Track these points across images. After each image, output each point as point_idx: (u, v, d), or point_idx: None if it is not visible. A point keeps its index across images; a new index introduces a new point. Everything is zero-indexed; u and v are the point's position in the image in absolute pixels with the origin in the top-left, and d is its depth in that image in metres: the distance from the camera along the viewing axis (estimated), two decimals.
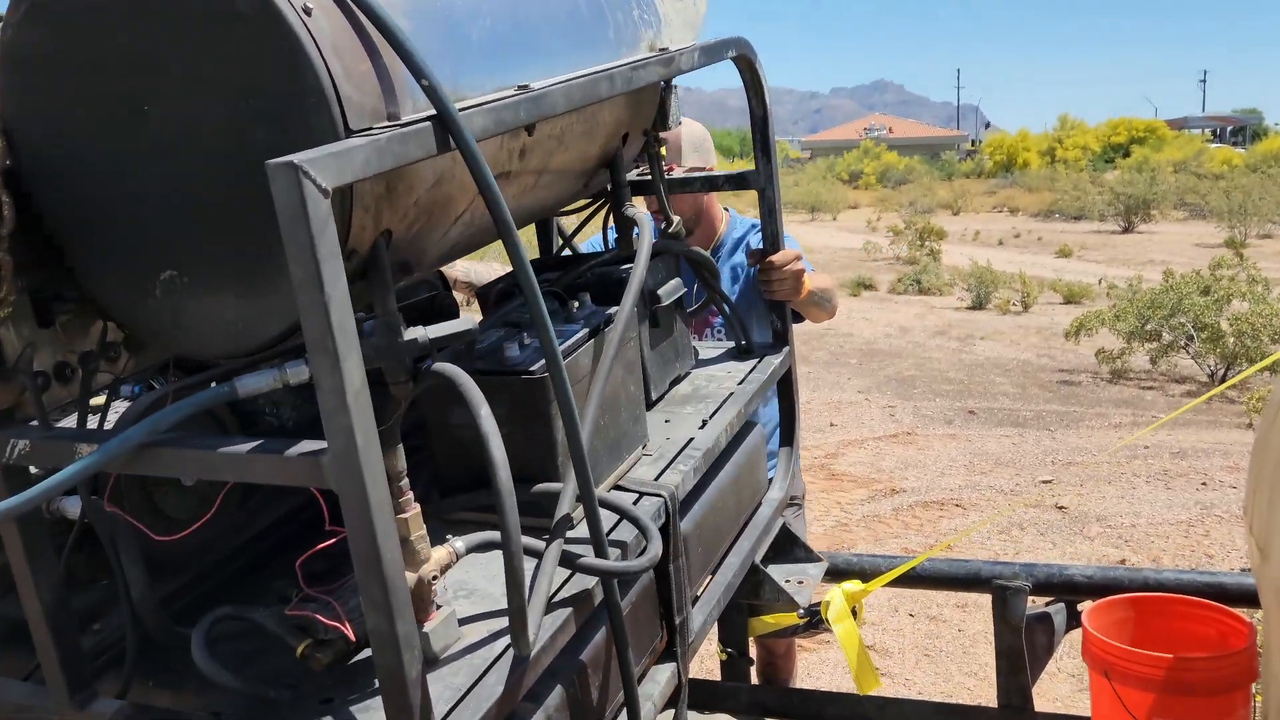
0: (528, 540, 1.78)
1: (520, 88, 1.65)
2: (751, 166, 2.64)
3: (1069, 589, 3.01)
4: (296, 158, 1.19)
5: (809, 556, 2.76)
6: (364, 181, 1.40)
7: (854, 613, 3.01)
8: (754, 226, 3.66)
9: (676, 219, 2.59)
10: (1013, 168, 52.46)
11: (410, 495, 1.59)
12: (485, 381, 1.92)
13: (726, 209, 3.85)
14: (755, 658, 3.69)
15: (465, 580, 1.86)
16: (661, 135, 3.23)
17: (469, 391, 1.46)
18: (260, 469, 1.37)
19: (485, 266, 3.46)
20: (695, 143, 3.50)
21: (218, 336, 1.51)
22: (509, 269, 2.74)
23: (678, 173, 3.25)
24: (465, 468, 2.01)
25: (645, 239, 2.05)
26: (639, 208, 2.21)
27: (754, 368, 2.68)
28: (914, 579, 3.11)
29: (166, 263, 1.50)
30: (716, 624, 2.93)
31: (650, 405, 2.48)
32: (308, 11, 1.32)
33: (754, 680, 3.57)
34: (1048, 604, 3.05)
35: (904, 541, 7.27)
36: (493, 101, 1.54)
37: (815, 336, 14.49)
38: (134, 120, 1.43)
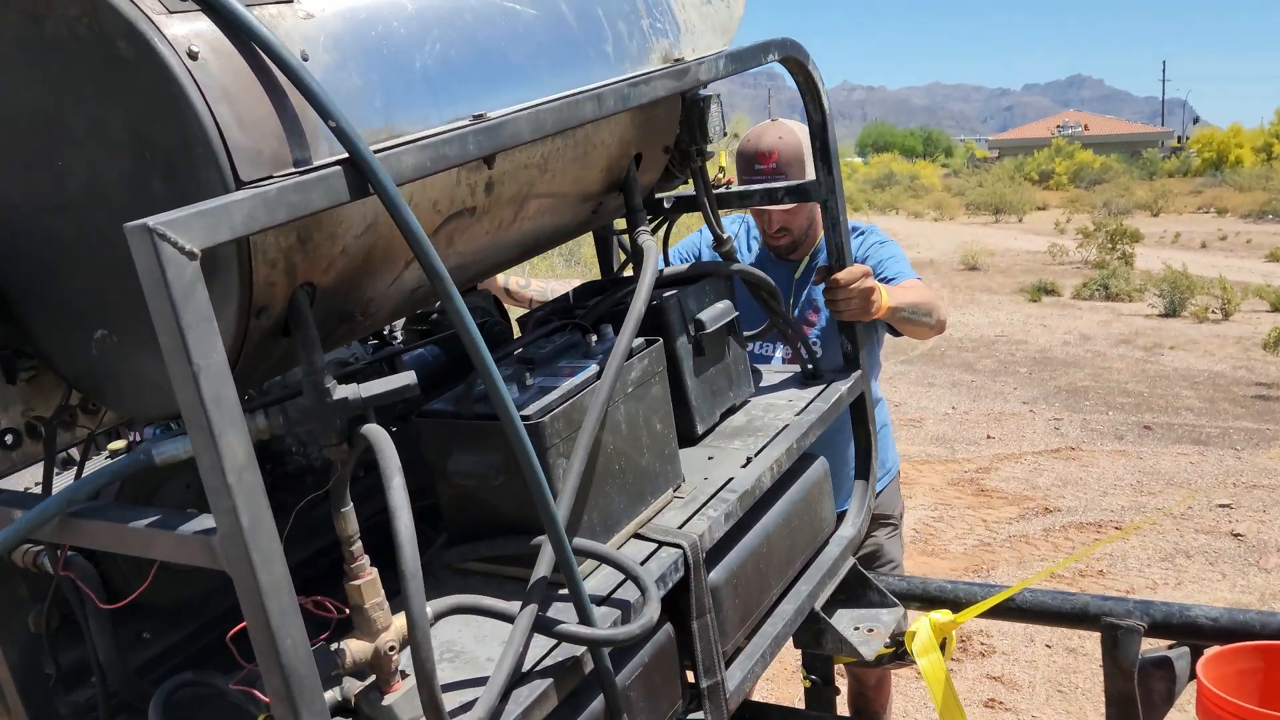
0: (502, 604, 1.65)
1: (475, 117, 1.51)
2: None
3: (1191, 631, 2.65)
4: (153, 220, 1.09)
5: (883, 601, 2.52)
6: (267, 234, 1.30)
7: (943, 645, 2.75)
8: (855, 230, 3.41)
9: (727, 237, 2.41)
10: (1223, 165, 48.74)
11: (363, 560, 1.49)
12: (482, 426, 1.81)
13: None
14: (845, 688, 3.45)
15: (453, 641, 1.74)
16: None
17: (385, 458, 1.33)
18: (159, 546, 1.29)
19: (561, 284, 3.35)
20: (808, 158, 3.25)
21: (151, 398, 1.44)
22: (578, 283, 2.61)
23: (787, 210, 3.07)
24: (470, 515, 1.90)
25: (647, 274, 1.88)
26: (648, 237, 2.04)
27: (818, 395, 2.47)
28: (1012, 611, 2.82)
29: (98, 321, 1.44)
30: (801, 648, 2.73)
31: (697, 439, 2.31)
32: (193, 55, 1.22)
33: (841, 711, 3.33)
34: (1170, 646, 2.70)
35: (1050, 565, 6.77)
36: (430, 137, 1.41)
37: (985, 344, 13.79)
38: (51, 175, 1.37)
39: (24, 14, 1.29)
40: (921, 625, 2.73)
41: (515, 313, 2.96)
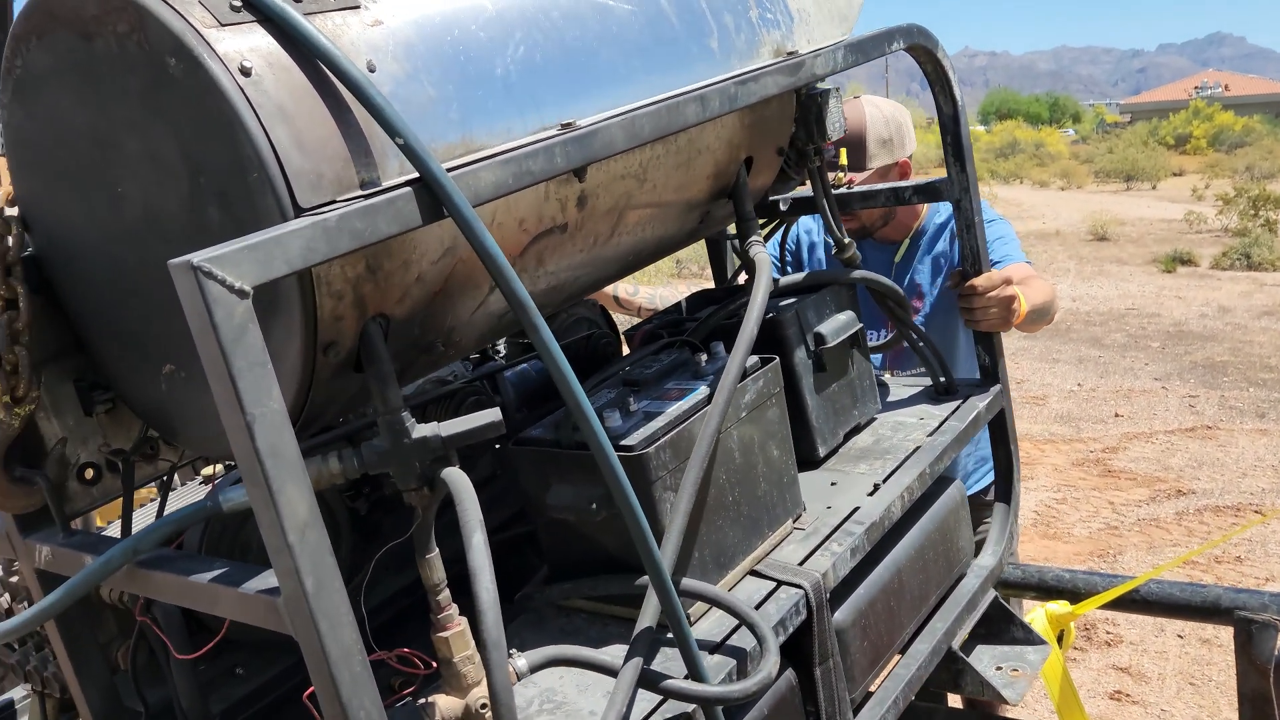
0: (605, 658, 1.52)
1: (563, 126, 1.37)
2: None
3: None
4: (199, 256, 0.99)
5: (1028, 637, 2.29)
6: (331, 265, 1.19)
7: (1060, 638, 2.50)
8: None
9: (849, 242, 2.22)
10: None
11: (451, 610, 1.36)
12: (581, 456, 1.67)
13: None
14: None
15: (554, 690, 1.61)
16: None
17: (465, 510, 1.20)
18: (224, 603, 1.19)
19: (672, 292, 3.19)
20: (883, 138, 3.03)
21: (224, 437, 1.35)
22: (690, 292, 2.46)
23: (862, 181, 2.85)
24: (570, 549, 1.76)
25: (760, 288, 1.71)
26: (760, 248, 1.87)
27: (952, 413, 2.26)
28: (1136, 603, 2.57)
29: (165, 355, 1.35)
30: None
31: (818, 462, 2.13)
32: (246, 71, 1.11)
33: (953, 703, 3.07)
34: None
35: (1183, 551, 6.32)
36: (512, 150, 1.27)
37: (1114, 317, 13.05)
38: (111, 202, 1.29)
39: (74, 32, 1.21)
40: (1037, 616, 2.50)
41: (624, 322, 2.82)
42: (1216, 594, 2.56)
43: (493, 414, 1.29)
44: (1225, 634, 5.33)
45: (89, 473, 1.54)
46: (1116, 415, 9.34)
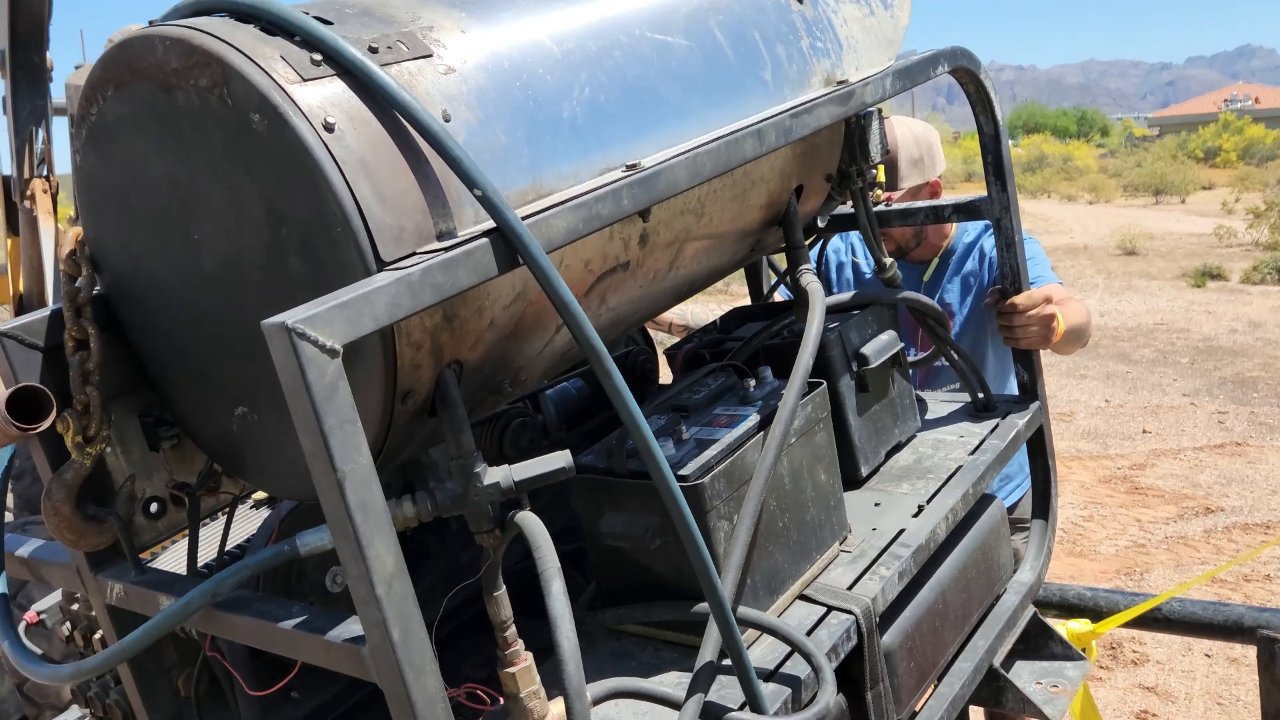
0: (668, 691, 1.54)
1: (629, 167, 1.38)
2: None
3: None
4: (292, 317, 1.00)
5: (1067, 653, 2.31)
6: (411, 316, 1.20)
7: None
8: (988, 227, 3.17)
9: (890, 263, 2.23)
10: None
11: (517, 646, 1.38)
12: (635, 485, 1.69)
13: None
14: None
15: (611, 718, 1.63)
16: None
17: (542, 557, 1.22)
18: (307, 648, 1.21)
19: (703, 308, 3.20)
20: (914, 157, 3.04)
21: (298, 479, 1.37)
22: (724, 311, 2.47)
23: (896, 200, 2.85)
24: (624, 575, 1.78)
25: (814, 322, 1.72)
26: (812, 277, 1.88)
27: (992, 431, 2.27)
28: (1159, 621, 2.58)
29: (238, 397, 1.37)
30: None
31: (860, 482, 2.15)
32: (329, 127, 1.13)
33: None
34: None
35: (1211, 569, 6.31)
36: (582, 195, 1.29)
37: (1143, 333, 13.00)
38: (187, 246, 1.31)
39: (154, 84, 1.22)
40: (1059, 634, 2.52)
41: (657, 337, 2.83)
42: (1239, 613, 2.58)
43: (564, 458, 1.30)
44: (1253, 653, 5.35)
45: (154, 507, 1.56)
46: (1144, 431, 9.31)
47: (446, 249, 1.15)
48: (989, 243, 3.13)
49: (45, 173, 5.34)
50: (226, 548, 1.69)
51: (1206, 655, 5.34)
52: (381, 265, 1.13)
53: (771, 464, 1.61)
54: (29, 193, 5.14)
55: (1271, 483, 7.79)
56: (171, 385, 1.46)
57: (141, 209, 1.33)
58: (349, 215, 1.12)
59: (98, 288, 1.45)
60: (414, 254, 1.16)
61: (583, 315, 1.22)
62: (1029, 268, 2.98)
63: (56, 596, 1.91)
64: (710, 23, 1.61)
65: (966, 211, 2.31)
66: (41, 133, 5.27)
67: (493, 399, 1.43)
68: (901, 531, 1.95)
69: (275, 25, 1.20)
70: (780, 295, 2.68)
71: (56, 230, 5.18)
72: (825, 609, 1.78)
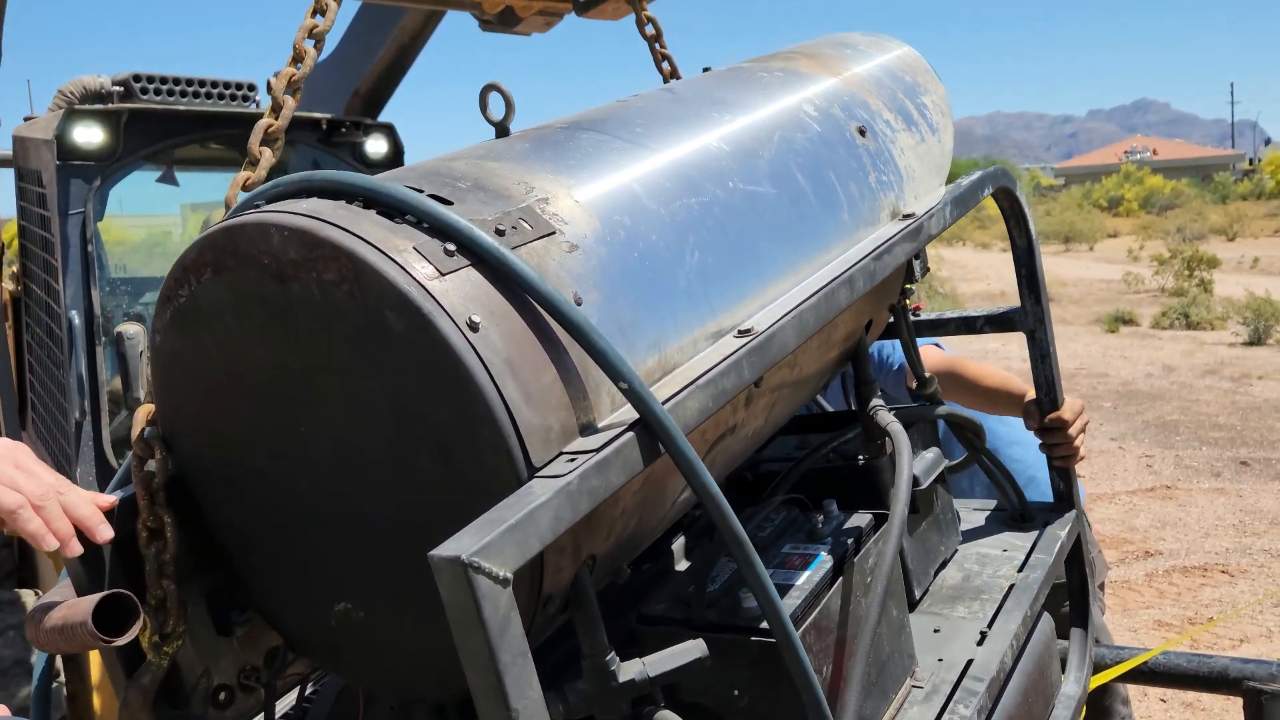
0: None
1: (741, 332, 1.33)
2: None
3: None
4: (465, 549, 0.92)
5: None
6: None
7: None
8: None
9: (930, 376, 2.21)
10: None
11: None
12: (716, 639, 1.62)
13: None
14: None
15: None
16: None
17: None
18: None
19: None
20: None
21: (410, 678, 1.27)
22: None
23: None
24: None
25: (904, 471, 1.68)
26: (889, 415, 1.84)
27: (1035, 543, 2.25)
28: (1145, 675, 2.58)
29: (339, 593, 1.27)
30: None
31: (913, 604, 2.11)
32: (474, 326, 1.06)
33: None
34: None
35: (1157, 613, 6.41)
36: (709, 372, 1.23)
37: (1065, 377, 13.22)
38: (289, 436, 1.22)
39: (267, 273, 1.14)
40: None
41: None
42: (1224, 664, 2.57)
43: (699, 647, 1.24)
44: (1208, 699, 5.40)
45: (222, 695, 1.45)
46: (1079, 476, 9.50)
47: (597, 449, 1.08)
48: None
49: None
50: None
51: (1162, 700, 5.40)
52: (532, 470, 1.06)
53: (875, 623, 1.56)
54: None
55: (1203, 525, 7.98)
56: (254, 573, 1.36)
57: (234, 394, 1.24)
58: (499, 420, 1.05)
59: (169, 469, 1.35)
60: (561, 453, 1.09)
61: (724, 502, 1.16)
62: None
63: None
64: (791, 166, 1.58)
65: (999, 323, 2.31)
66: None
67: (609, 579, 1.35)
68: (970, 663, 1.91)
69: (401, 211, 1.13)
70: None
71: (2, 292, 4.94)
72: None
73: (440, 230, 1.11)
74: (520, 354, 1.09)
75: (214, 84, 4.47)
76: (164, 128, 4.15)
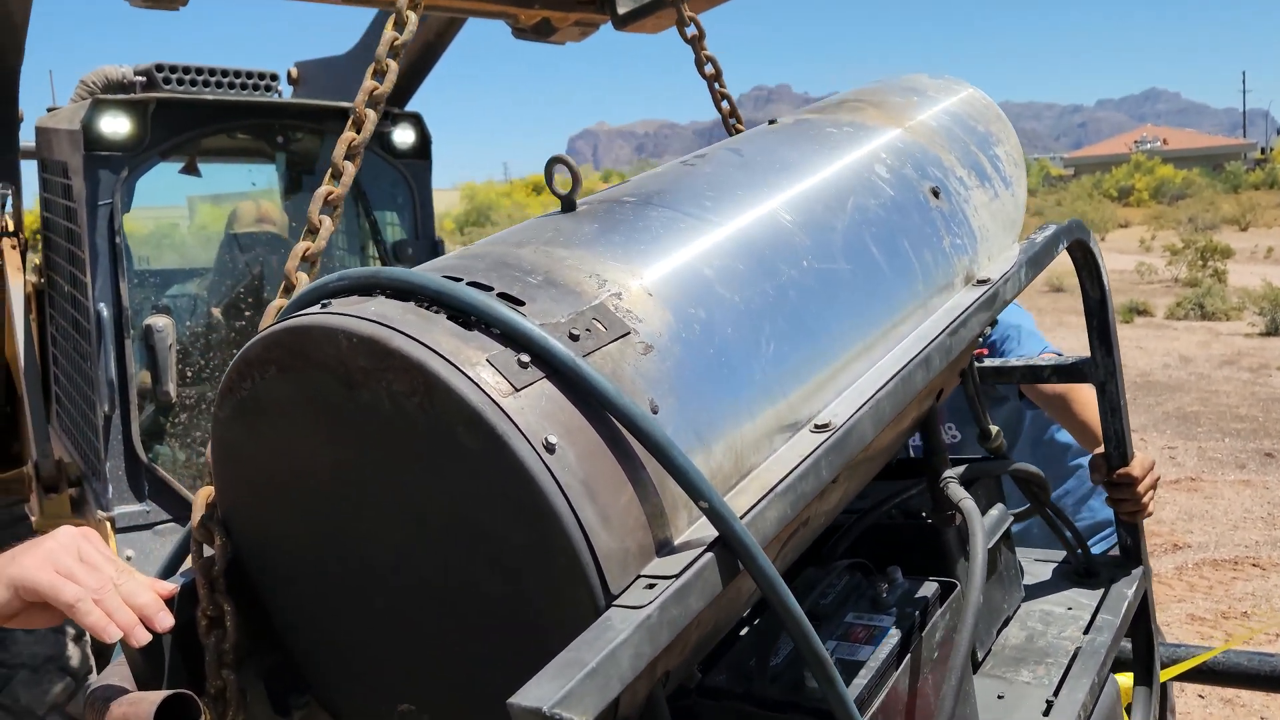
0: None
1: (818, 427, 1.28)
2: None
3: None
4: (546, 701, 0.88)
5: None
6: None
7: (1128, 711, 2.42)
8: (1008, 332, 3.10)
9: (996, 430, 2.15)
10: None
11: None
12: None
13: None
14: None
15: None
16: None
17: None
18: None
19: None
20: None
21: None
22: None
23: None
24: None
25: (979, 552, 1.62)
26: (966, 496, 1.78)
27: (1100, 602, 2.19)
28: (1204, 674, 2.49)
29: (400, 693, 1.24)
30: None
31: (976, 666, 2.05)
32: (550, 448, 1.01)
33: None
34: None
35: (1189, 607, 6.30)
36: (787, 477, 1.18)
37: None
38: (349, 536, 1.18)
39: (334, 377, 1.10)
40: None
41: None
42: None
43: None
44: (1247, 694, 5.28)
45: None
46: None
47: (677, 574, 1.03)
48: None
49: (14, 229, 5.13)
50: None
51: (1200, 696, 5.32)
52: (610, 599, 1.01)
53: (950, 713, 1.50)
54: None
55: (1231, 518, 7.87)
56: (314, 665, 1.33)
57: (296, 491, 1.21)
58: (576, 548, 1.00)
59: (229, 555, 1.32)
60: (640, 576, 1.05)
61: (805, 620, 1.11)
62: (1031, 344, 2.95)
63: None
64: (865, 238, 1.52)
65: (1068, 374, 2.24)
66: (10, 196, 5.06)
67: (677, 685, 1.31)
68: None
69: (471, 316, 1.08)
70: None
71: (25, 285, 4.94)
72: None
73: (514, 339, 1.07)
74: (597, 473, 1.04)
75: (236, 74, 4.45)
76: (191, 117, 4.12)
